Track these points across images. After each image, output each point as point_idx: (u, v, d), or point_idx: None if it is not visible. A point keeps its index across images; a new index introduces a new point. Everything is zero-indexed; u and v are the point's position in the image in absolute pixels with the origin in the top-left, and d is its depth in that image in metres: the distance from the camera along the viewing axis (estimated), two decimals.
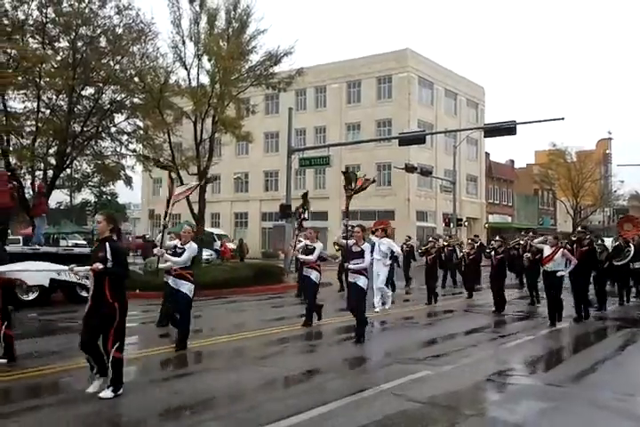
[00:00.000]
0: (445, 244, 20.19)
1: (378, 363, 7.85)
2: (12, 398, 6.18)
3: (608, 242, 17.61)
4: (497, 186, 56.46)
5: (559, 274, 11.19)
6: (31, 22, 17.70)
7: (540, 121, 21.44)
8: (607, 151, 71.70)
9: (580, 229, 13.14)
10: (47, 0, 17.53)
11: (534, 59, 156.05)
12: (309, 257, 10.81)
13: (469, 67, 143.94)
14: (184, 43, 21.86)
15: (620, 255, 15.60)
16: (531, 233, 18.26)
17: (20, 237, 25.36)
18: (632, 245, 15.68)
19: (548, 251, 11.38)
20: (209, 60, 21.80)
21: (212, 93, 21.36)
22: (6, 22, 16.88)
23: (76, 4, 17.95)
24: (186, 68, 22.03)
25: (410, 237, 22.53)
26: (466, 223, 42.90)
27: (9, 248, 13.44)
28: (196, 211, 22.43)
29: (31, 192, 18.65)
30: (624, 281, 15.98)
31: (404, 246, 19.96)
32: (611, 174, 67.34)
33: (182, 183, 22.27)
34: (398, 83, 44.53)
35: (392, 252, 13.59)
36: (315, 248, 10.76)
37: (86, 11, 18.15)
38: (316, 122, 47.07)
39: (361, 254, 9.28)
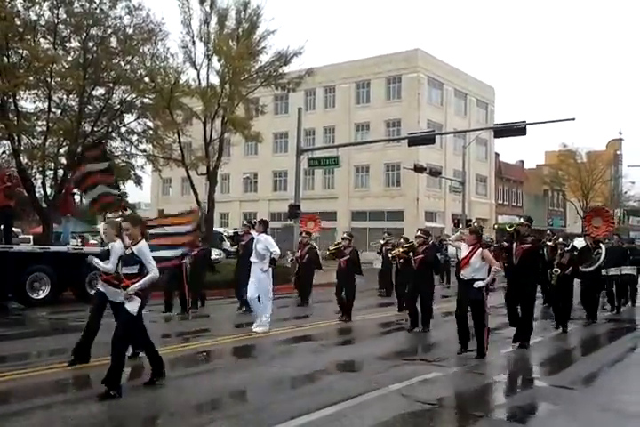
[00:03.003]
0: (382, 242, 17.78)
1: (386, 364, 7.84)
2: (22, 396, 6.22)
3: (579, 242, 13.28)
4: (506, 186, 56.25)
5: (477, 285, 7.89)
6: (43, 23, 17.81)
7: (550, 121, 21.33)
8: (618, 152, 71.15)
9: (522, 220, 9.42)
10: (59, 1, 17.63)
11: (545, 59, 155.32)
12: (108, 267, 6.69)
13: (479, 67, 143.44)
14: (194, 43, 22.00)
15: (587, 259, 12.21)
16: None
17: (31, 237, 25.51)
18: (603, 246, 12.70)
19: (464, 251, 8.13)
20: (219, 61, 21.92)
21: (222, 94, 21.45)
22: (18, 23, 16.97)
23: (87, 4, 18.04)
24: (196, 69, 22.16)
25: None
26: (475, 224, 42.74)
27: (19, 247, 13.58)
28: (205, 210, 22.53)
29: (41, 191, 18.76)
30: (593, 292, 12.46)
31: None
32: (621, 175, 66.83)
33: (192, 183, 22.45)
34: (408, 83, 44.47)
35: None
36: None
37: (97, 11, 18.24)
38: (325, 122, 47.10)
39: (134, 260, 6.08)
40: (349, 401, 5.87)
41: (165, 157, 21.99)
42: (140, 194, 70.54)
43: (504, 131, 21.11)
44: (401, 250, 11.15)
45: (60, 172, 18.98)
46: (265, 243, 10.26)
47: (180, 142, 21.78)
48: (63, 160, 19.00)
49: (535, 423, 5.63)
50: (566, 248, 11.30)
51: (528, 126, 20.16)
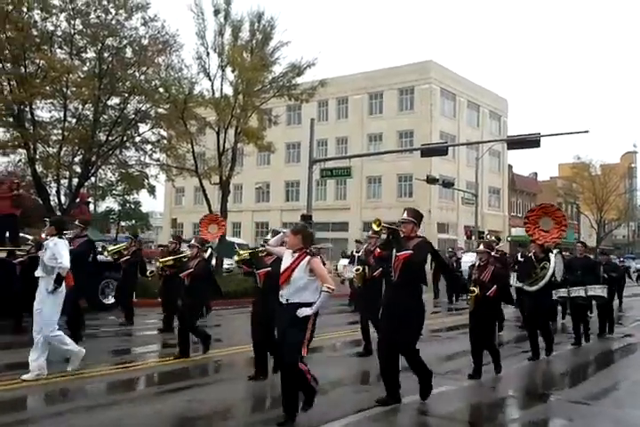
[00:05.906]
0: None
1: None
2: (32, 404, 6.20)
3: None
4: (520, 199, 55.94)
5: (301, 312, 5.29)
6: (59, 33, 18.02)
7: (564, 133, 21.18)
8: (632, 165, 70.77)
9: (405, 215, 6.25)
10: (75, 12, 17.85)
11: (559, 71, 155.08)
12: None
13: (492, 79, 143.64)
14: (208, 54, 22.12)
15: (530, 275, 9.00)
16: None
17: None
18: (552, 257, 8.97)
19: (287, 260, 5.55)
20: (232, 72, 22.02)
21: (235, 104, 21.53)
22: (35, 33, 17.20)
23: (103, 15, 18.25)
24: (210, 79, 22.27)
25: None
26: (488, 236, 42.45)
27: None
28: None
29: (56, 200, 18.90)
30: (543, 320, 9.28)
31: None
32: (636, 188, 66.46)
33: (205, 193, 22.53)
34: (420, 94, 44.52)
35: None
36: None
37: (113, 22, 18.43)
38: (337, 133, 47.19)
39: None
40: (358, 414, 5.80)
41: (179, 167, 22.08)
42: (153, 203, 70.99)
43: (517, 143, 21.02)
44: (161, 260, 8.62)
45: (75, 180, 19.12)
46: (53, 250, 7.00)
47: (193, 152, 21.87)
48: (78, 169, 19.15)
49: None
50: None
51: (542, 138, 20.05)
